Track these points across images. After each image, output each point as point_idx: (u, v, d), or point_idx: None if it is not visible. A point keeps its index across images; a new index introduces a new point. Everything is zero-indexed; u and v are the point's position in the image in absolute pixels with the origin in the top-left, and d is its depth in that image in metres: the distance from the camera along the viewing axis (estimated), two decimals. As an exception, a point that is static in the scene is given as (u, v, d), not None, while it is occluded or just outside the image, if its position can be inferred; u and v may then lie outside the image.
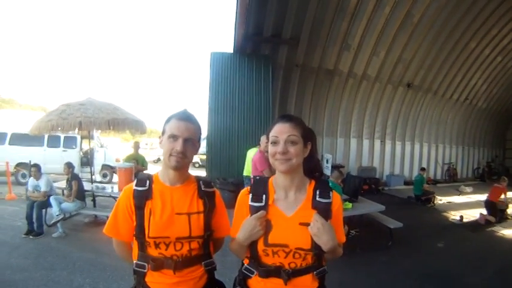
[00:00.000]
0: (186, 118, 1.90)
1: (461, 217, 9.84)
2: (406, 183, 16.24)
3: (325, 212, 1.73)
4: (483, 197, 10.14)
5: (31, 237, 6.75)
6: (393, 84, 15.61)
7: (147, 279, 1.87)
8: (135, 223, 1.86)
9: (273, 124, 1.79)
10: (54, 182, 8.30)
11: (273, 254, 1.75)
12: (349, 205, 6.41)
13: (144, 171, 7.47)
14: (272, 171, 6.55)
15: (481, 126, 21.86)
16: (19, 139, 13.60)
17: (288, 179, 1.80)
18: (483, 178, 20.61)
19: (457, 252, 6.80)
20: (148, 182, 1.92)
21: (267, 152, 5.67)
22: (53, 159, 13.17)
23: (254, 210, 1.80)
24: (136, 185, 1.90)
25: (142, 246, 1.86)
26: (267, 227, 1.75)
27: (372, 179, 14.60)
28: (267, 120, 11.17)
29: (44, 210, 7.21)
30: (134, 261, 1.90)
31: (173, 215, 1.86)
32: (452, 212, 10.71)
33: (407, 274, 5.65)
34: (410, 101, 16.74)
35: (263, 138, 6.52)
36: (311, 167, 1.88)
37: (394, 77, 15.28)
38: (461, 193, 14.76)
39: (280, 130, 1.72)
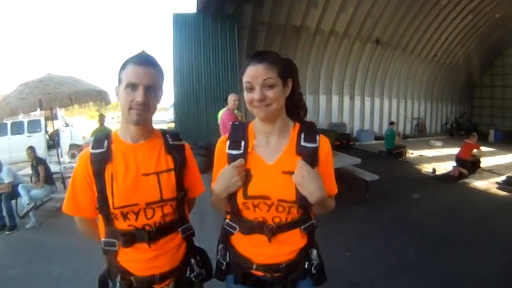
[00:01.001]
0: (145, 62, 1.55)
1: (434, 170, 10.08)
2: (377, 138, 16.55)
3: (311, 158, 1.52)
4: (453, 150, 10.64)
5: (6, 232, 6.35)
6: (362, 41, 15.55)
7: (119, 258, 1.62)
8: (96, 193, 1.57)
9: (245, 66, 1.52)
10: (20, 170, 8.02)
11: (254, 207, 1.57)
12: None
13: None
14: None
15: (450, 82, 22.09)
16: None
17: (269, 124, 1.59)
18: (451, 133, 21.10)
19: (433, 203, 6.98)
20: (106, 142, 1.61)
21: (236, 109, 5.31)
22: (18, 147, 12.11)
23: (232, 158, 1.59)
24: (92, 148, 1.59)
25: (109, 220, 1.58)
26: (247, 177, 1.56)
27: (343, 135, 14.67)
28: (234, 81, 10.98)
29: (14, 202, 6.76)
30: (102, 240, 1.63)
31: (139, 177, 1.59)
32: (424, 165, 10.99)
33: (389, 225, 5.77)
34: (379, 57, 16.74)
35: (231, 97, 6.38)
36: (293, 104, 1.65)
37: (363, 33, 15.21)
38: (431, 147, 15.18)
39: (254, 74, 1.46)
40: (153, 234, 1.60)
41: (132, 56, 1.58)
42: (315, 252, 1.67)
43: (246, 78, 1.48)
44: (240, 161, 1.54)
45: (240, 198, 1.56)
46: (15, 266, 5.03)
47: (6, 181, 6.66)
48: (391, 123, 13.46)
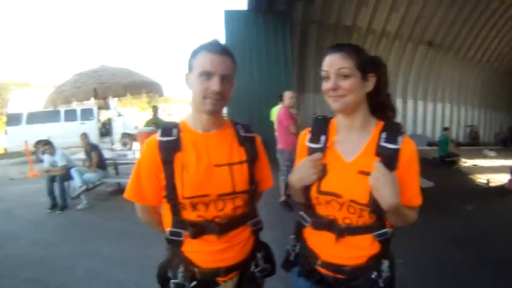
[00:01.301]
0: (221, 50, 1.50)
1: (488, 181, 9.42)
2: (429, 144, 15.80)
3: (389, 160, 1.38)
4: (507, 162, 10.04)
5: (57, 211, 6.71)
6: (414, 42, 15.13)
7: (184, 248, 1.58)
8: (164, 182, 1.52)
9: (324, 56, 1.46)
10: (73, 155, 8.29)
11: (326, 203, 1.50)
12: None
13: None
14: (298, 127, 6.27)
15: (504, 90, 21.01)
16: (36, 117, 13.84)
17: (348, 118, 1.51)
18: (506, 143, 19.58)
19: (488, 217, 6.46)
20: (175, 130, 1.57)
21: (291, 107, 5.24)
22: (71, 133, 13.08)
23: (311, 151, 1.55)
24: (161, 136, 1.54)
25: (176, 210, 1.54)
26: (323, 171, 1.49)
27: None
28: (286, 78, 10.85)
29: (66, 184, 7.11)
30: (167, 230, 1.59)
31: (211, 168, 1.54)
32: (479, 176, 10.29)
33: (442, 236, 5.40)
34: (432, 59, 16.24)
35: (287, 94, 6.18)
36: (379, 103, 1.53)
37: (415, 35, 14.81)
38: (485, 157, 14.40)
39: (330, 63, 1.41)
40: (223, 227, 1.56)
41: (205, 44, 1.53)
42: (386, 263, 1.52)
43: (322, 66, 1.44)
44: (317, 155, 1.50)
45: (313, 193, 1.51)
46: (65, 244, 5.18)
47: (60, 164, 6.97)
48: (445, 128, 12.87)
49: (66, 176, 7.04)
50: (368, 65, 1.43)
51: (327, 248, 1.54)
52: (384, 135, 1.43)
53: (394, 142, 1.40)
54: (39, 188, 8.20)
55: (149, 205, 1.66)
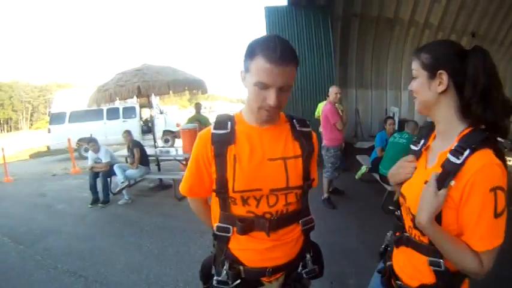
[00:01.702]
0: (281, 59, 1.32)
1: None
2: None
3: (446, 176, 1.23)
4: None
5: (99, 205, 6.92)
6: (457, 34, 14.52)
7: (231, 245, 1.54)
8: (215, 175, 1.49)
9: None
10: (116, 151, 8.61)
11: (402, 206, 1.51)
12: None
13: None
14: (344, 123, 6.19)
15: None
16: (78, 116, 14.29)
17: (435, 123, 1.44)
18: None
19: None
20: (230, 123, 1.53)
21: (337, 103, 5.11)
22: (113, 131, 13.54)
23: (411, 153, 1.55)
24: (215, 128, 1.52)
25: (225, 204, 1.51)
26: (411, 174, 1.47)
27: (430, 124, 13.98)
28: (330, 73, 10.63)
29: (108, 180, 7.31)
30: (215, 225, 1.56)
31: (265, 161, 1.49)
32: None
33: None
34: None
35: (332, 89, 6.00)
36: (469, 107, 1.29)
37: (458, 26, 14.24)
38: None
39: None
40: (274, 223, 1.51)
41: (263, 46, 1.36)
42: None
43: None
44: (410, 156, 1.51)
45: (400, 193, 1.53)
46: (105, 238, 5.35)
47: (104, 161, 7.19)
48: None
49: (109, 172, 7.23)
50: (435, 62, 1.32)
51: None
52: (455, 146, 1.25)
53: (457, 156, 1.22)
54: (81, 183, 8.56)
55: (199, 198, 1.68)
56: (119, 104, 13.01)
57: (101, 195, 7.05)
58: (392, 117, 8.38)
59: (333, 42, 11.17)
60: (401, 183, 1.50)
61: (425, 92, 1.35)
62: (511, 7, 13.97)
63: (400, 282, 1.48)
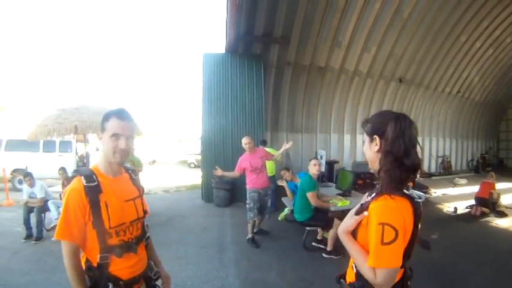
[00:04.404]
0: (126, 117, 2.06)
1: (456, 209, 9.90)
2: None
3: (362, 208, 1.73)
4: (477, 188, 10.20)
5: (32, 242, 6.87)
6: (385, 80, 15.65)
7: (111, 268, 1.99)
8: (91, 219, 1.91)
9: None
10: (50, 186, 8.47)
11: None
12: (347, 202, 6.32)
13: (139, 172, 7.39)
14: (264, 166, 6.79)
15: (475, 118, 21.89)
16: (14, 145, 13.78)
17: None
18: (477, 170, 20.58)
19: (451, 243, 6.86)
20: (95, 177, 2.00)
21: (247, 151, 5.61)
22: (49, 164, 13.29)
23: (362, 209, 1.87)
24: (86, 182, 1.94)
25: (103, 239, 1.95)
26: None
27: (367, 174, 14.43)
28: (259, 118, 11.31)
29: (43, 215, 7.34)
30: (98, 256, 1.95)
31: (123, 203, 2.07)
32: (447, 204, 10.79)
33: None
34: (403, 95, 16.81)
35: (243, 140, 6.86)
36: (384, 163, 1.71)
37: (386, 72, 15.32)
38: (455, 185, 14.89)
39: None
40: (136, 244, 2.12)
41: (114, 111, 2.06)
42: None
43: None
44: (360, 215, 1.76)
45: None
46: (39, 273, 5.39)
47: (38, 196, 7.23)
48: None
49: (44, 208, 7.29)
50: (374, 129, 1.79)
51: None
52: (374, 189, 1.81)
53: (369, 196, 1.78)
54: (14, 217, 8.46)
55: (76, 244, 1.95)
56: (55, 137, 12.77)
57: (34, 231, 7.02)
58: (316, 157, 8.78)
59: (266, 87, 11.92)
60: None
61: (369, 151, 1.83)
62: (437, 54, 15.47)
63: (342, 281, 1.96)
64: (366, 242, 1.67)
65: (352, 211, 1.76)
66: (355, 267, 1.76)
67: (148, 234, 2.32)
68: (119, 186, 2.11)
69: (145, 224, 2.31)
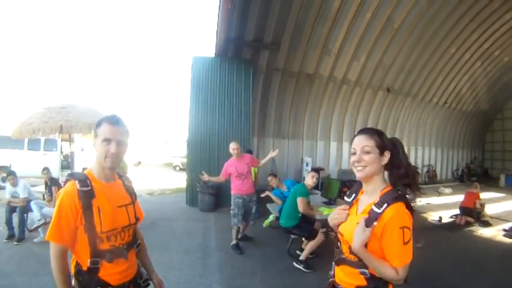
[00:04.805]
0: (117, 122, 2.09)
1: (440, 218, 10.02)
2: None
3: (371, 219, 1.82)
4: (462, 198, 10.32)
5: (14, 242, 6.81)
6: (373, 88, 15.77)
7: (100, 273, 2.00)
8: (83, 223, 1.93)
9: (353, 138, 2.03)
10: (34, 186, 8.35)
11: (341, 241, 2.06)
12: (325, 211, 6.37)
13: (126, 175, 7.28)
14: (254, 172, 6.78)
15: (461, 128, 22.24)
16: None
17: (365, 184, 2.01)
18: (462, 179, 20.88)
19: (436, 252, 6.91)
20: (88, 181, 2.02)
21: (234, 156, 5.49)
22: (33, 163, 13.14)
23: (346, 203, 2.13)
24: (80, 186, 1.97)
25: (94, 243, 1.96)
26: (346, 218, 2.04)
27: (352, 182, 14.52)
28: (247, 123, 11.34)
29: (25, 215, 7.20)
30: (88, 260, 1.96)
31: (115, 209, 2.08)
32: (431, 213, 10.89)
33: None
34: (390, 104, 16.95)
35: (230, 145, 6.87)
36: (398, 175, 1.98)
37: (374, 81, 15.43)
38: (440, 194, 15.03)
39: (357, 142, 1.96)
40: (127, 250, 2.12)
41: (106, 117, 2.10)
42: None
43: (352, 145, 2.00)
44: (344, 206, 2.09)
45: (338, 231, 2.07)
46: (20, 275, 5.29)
47: (21, 196, 7.09)
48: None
49: (26, 208, 7.13)
50: (384, 145, 1.93)
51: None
52: (378, 200, 1.86)
53: (379, 207, 1.82)
54: None
55: (65, 247, 1.97)
56: (40, 135, 12.65)
57: (16, 231, 6.93)
58: (318, 171, 8.87)
59: (254, 93, 11.95)
60: (338, 225, 2.05)
61: (376, 164, 1.90)
62: (425, 64, 15.64)
63: (340, 287, 2.03)
64: (376, 249, 1.81)
65: (361, 224, 1.82)
66: (367, 273, 1.87)
67: (139, 241, 2.33)
68: (112, 191, 2.13)
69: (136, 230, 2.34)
